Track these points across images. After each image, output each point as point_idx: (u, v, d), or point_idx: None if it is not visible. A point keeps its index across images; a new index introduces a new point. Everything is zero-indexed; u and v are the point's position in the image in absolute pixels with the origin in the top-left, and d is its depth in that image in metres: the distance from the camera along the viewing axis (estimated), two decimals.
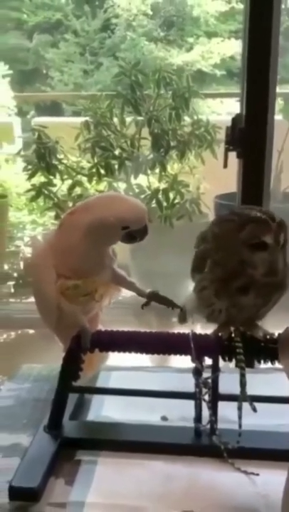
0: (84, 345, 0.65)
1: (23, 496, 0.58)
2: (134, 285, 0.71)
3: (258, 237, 0.57)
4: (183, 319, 0.71)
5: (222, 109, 4.24)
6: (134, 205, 0.65)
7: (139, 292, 0.71)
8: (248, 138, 1.11)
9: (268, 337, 0.62)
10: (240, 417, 0.61)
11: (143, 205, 0.67)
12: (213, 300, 0.61)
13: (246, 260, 0.58)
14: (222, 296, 0.60)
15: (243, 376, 0.61)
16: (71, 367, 0.66)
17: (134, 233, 0.65)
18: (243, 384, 0.61)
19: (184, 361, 0.65)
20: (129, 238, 0.66)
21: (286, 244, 0.59)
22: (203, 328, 0.66)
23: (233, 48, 4.80)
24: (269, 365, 0.64)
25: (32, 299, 0.70)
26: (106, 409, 0.73)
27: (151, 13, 5.11)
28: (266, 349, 0.61)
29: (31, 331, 2.14)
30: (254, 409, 0.61)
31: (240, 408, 0.62)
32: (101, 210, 0.64)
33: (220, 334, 0.63)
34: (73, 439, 0.67)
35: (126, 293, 0.75)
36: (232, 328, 0.63)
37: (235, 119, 1.13)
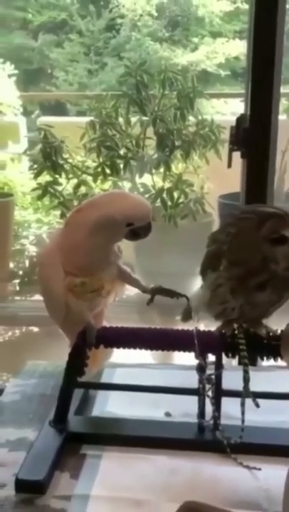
0: (89, 341, 0.66)
1: (29, 488, 0.59)
2: (138, 282, 0.72)
3: (278, 231, 0.58)
4: (187, 317, 0.71)
5: (226, 109, 4.24)
6: (139, 202, 0.66)
7: (143, 289, 0.72)
8: (252, 138, 1.12)
9: (270, 334, 0.63)
10: (243, 413, 0.62)
11: (147, 203, 0.68)
12: (227, 298, 0.62)
13: (268, 256, 0.58)
14: (238, 293, 0.61)
15: (246, 372, 0.62)
16: (76, 362, 0.67)
17: (138, 230, 0.66)
18: (246, 380, 0.62)
19: (188, 358, 0.66)
20: (133, 235, 0.67)
21: None
22: (207, 326, 0.67)
23: (238, 48, 4.80)
24: (272, 362, 0.65)
25: (37, 297, 0.71)
26: (110, 405, 0.74)
27: (156, 13, 5.11)
28: (269, 346, 0.62)
29: (36, 329, 2.16)
30: (257, 405, 0.62)
31: (243, 404, 0.63)
32: (106, 208, 0.65)
33: (223, 331, 0.63)
34: (78, 434, 0.68)
35: (130, 291, 0.76)
36: (235, 325, 0.64)
37: (240, 119, 1.13)
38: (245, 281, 0.60)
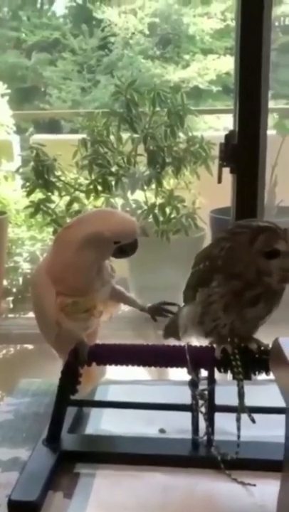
0: (81, 359, 0.66)
1: (22, 509, 0.59)
2: (134, 301, 0.73)
3: (271, 245, 0.59)
4: (169, 334, 0.72)
5: (219, 124, 4.29)
6: (127, 220, 0.67)
7: (140, 307, 0.72)
8: (240, 154, 1.14)
9: (262, 348, 0.63)
10: (238, 429, 0.62)
11: (134, 220, 0.69)
12: (219, 314, 0.62)
13: (262, 269, 0.59)
14: (231, 309, 0.61)
15: (241, 387, 0.62)
16: (69, 380, 0.67)
17: (125, 247, 0.67)
18: (241, 395, 0.62)
19: (183, 374, 0.66)
20: (120, 252, 0.67)
21: None
22: (199, 341, 0.68)
23: (229, 64, 4.88)
24: (264, 376, 0.65)
25: (31, 315, 0.71)
26: (104, 423, 0.74)
27: (147, 32, 5.20)
28: (260, 360, 0.62)
29: (30, 347, 2.14)
30: (253, 421, 0.62)
31: (238, 419, 0.63)
32: (95, 224, 0.66)
33: (222, 347, 0.63)
34: (72, 452, 0.67)
35: (124, 307, 0.76)
36: (228, 340, 0.64)
37: (229, 136, 1.15)
38: (241, 295, 0.60)
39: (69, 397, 0.68)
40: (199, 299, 0.64)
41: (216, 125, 4.37)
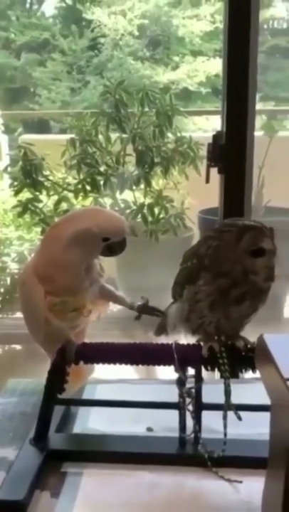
0: (69, 358, 0.66)
1: (8, 509, 0.58)
2: (123, 299, 0.73)
3: (257, 243, 0.59)
4: (160, 331, 0.72)
5: (208, 125, 4.31)
6: (116, 218, 0.67)
7: (129, 306, 0.72)
8: (228, 154, 1.14)
9: (248, 346, 0.64)
10: (225, 426, 0.63)
11: (123, 218, 0.69)
12: (205, 312, 0.63)
13: (248, 267, 0.60)
14: (217, 307, 0.62)
15: (228, 385, 0.63)
16: (56, 379, 0.67)
17: (113, 245, 0.67)
18: (227, 393, 0.63)
19: (171, 372, 0.66)
20: (109, 251, 0.67)
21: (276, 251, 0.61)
22: (187, 339, 0.68)
23: (218, 66, 4.89)
24: (251, 374, 0.65)
25: (19, 315, 0.71)
26: (92, 422, 0.74)
27: (137, 33, 5.20)
28: (247, 358, 0.63)
29: (19, 347, 2.13)
30: (239, 418, 0.62)
31: (225, 417, 0.63)
32: (84, 222, 0.66)
33: (209, 346, 0.64)
34: (59, 452, 0.67)
35: (113, 307, 0.76)
36: (215, 337, 0.64)
37: (216, 136, 1.16)
38: (227, 293, 0.61)
39: (56, 396, 0.68)
40: (186, 296, 0.64)
41: (205, 126, 4.39)
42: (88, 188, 2.08)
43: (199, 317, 0.64)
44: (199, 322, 0.64)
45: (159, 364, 0.66)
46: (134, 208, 2.15)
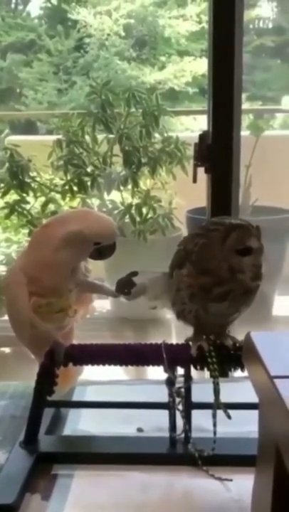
0: (57, 359, 0.66)
1: None
2: (104, 287, 0.72)
3: (244, 242, 0.60)
4: (135, 296, 0.69)
5: (195, 125, 4.32)
6: (108, 222, 0.67)
7: (112, 293, 0.71)
8: (214, 154, 1.15)
9: (237, 345, 0.64)
10: (214, 425, 0.63)
11: (113, 222, 0.69)
12: (185, 301, 0.63)
13: (235, 266, 0.60)
14: (196, 300, 0.62)
15: (216, 384, 0.63)
16: (45, 381, 0.66)
17: (104, 249, 0.67)
18: (217, 392, 0.63)
19: (161, 373, 0.66)
20: (98, 254, 0.67)
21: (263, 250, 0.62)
22: (179, 337, 0.68)
23: (205, 66, 4.90)
24: (240, 373, 0.66)
25: (7, 317, 0.70)
26: (82, 423, 0.73)
27: (123, 33, 5.20)
28: (235, 357, 0.63)
29: (7, 350, 2.12)
30: (228, 417, 0.63)
31: (214, 416, 0.63)
32: (76, 224, 0.65)
33: (198, 345, 0.64)
34: (49, 454, 0.67)
35: (102, 308, 0.76)
36: (204, 337, 0.65)
37: (203, 136, 1.16)
38: (209, 291, 0.61)
39: (46, 399, 0.67)
40: (174, 280, 0.65)
41: (193, 126, 4.41)
42: (75, 188, 2.07)
43: (181, 303, 0.64)
44: (181, 308, 0.64)
45: (148, 364, 0.66)
46: (122, 208, 2.15)
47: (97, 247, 0.66)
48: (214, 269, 0.60)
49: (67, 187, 2.07)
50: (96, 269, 0.76)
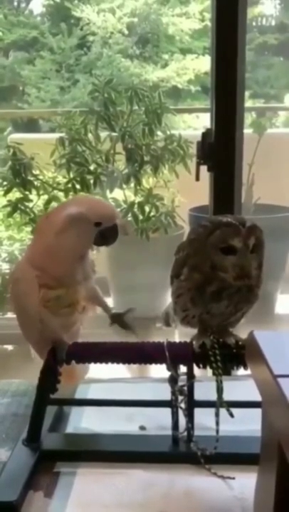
0: (60, 357, 0.66)
1: (2, 510, 0.58)
2: (105, 305, 0.72)
3: (226, 241, 0.59)
4: (167, 323, 0.72)
5: (198, 123, 4.32)
6: (106, 203, 0.69)
7: (109, 312, 0.72)
8: (217, 152, 1.15)
9: (239, 343, 0.64)
10: (217, 423, 0.63)
11: (113, 205, 0.70)
12: (188, 306, 0.63)
13: (217, 264, 0.60)
14: (197, 303, 0.62)
15: (220, 382, 0.63)
16: (48, 379, 0.66)
17: (106, 232, 0.66)
18: (219, 390, 0.63)
19: (164, 371, 0.66)
20: (101, 238, 0.67)
21: (259, 249, 0.61)
22: (183, 336, 0.68)
23: (207, 64, 4.88)
24: (242, 371, 0.66)
25: (10, 315, 0.70)
26: (85, 421, 0.74)
27: (126, 31, 5.19)
28: (238, 355, 0.63)
29: (10, 347, 2.12)
30: (231, 415, 0.63)
31: (217, 414, 0.63)
32: (74, 207, 0.66)
33: (202, 342, 0.64)
34: (52, 452, 0.67)
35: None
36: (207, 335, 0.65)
37: (205, 134, 1.16)
38: (203, 289, 0.61)
39: (48, 396, 0.67)
40: (172, 289, 0.65)
41: (195, 124, 4.40)
42: (78, 187, 2.07)
43: (182, 310, 0.64)
44: (183, 315, 0.65)
45: (151, 362, 0.66)
46: (125, 206, 2.15)
47: (99, 231, 0.66)
48: (199, 265, 0.61)
49: (69, 185, 2.07)
50: (99, 268, 0.76)
